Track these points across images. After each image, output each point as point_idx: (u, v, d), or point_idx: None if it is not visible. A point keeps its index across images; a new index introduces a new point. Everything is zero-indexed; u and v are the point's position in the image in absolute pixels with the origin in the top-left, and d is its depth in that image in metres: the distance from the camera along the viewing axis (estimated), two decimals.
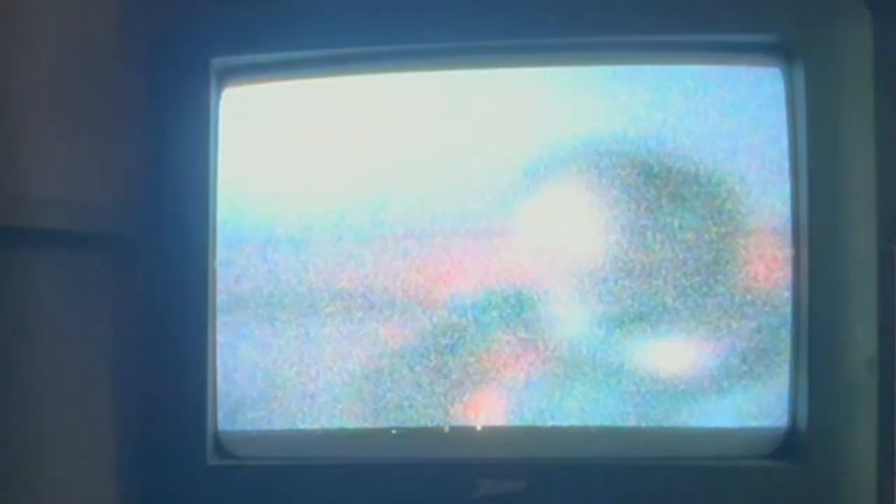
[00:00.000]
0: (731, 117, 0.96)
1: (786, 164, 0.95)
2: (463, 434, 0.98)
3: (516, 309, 0.97)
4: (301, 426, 0.99)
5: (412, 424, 0.98)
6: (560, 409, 0.97)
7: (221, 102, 1.00)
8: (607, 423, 0.96)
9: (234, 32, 1.00)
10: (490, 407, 0.97)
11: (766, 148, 0.96)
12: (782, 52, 0.95)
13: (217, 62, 0.99)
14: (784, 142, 0.95)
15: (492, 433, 0.97)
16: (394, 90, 0.99)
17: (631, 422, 0.96)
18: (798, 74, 0.94)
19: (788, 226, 0.95)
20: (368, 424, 0.98)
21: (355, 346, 0.98)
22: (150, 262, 1.00)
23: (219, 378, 0.99)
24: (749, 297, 0.95)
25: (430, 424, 0.98)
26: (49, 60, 0.98)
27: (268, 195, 1.00)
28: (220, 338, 0.99)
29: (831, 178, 0.93)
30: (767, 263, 0.95)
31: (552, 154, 0.97)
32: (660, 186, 0.96)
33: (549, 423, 0.97)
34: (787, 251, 0.95)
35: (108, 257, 1.02)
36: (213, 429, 0.99)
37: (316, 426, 0.99)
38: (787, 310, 0.94)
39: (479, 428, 0.98)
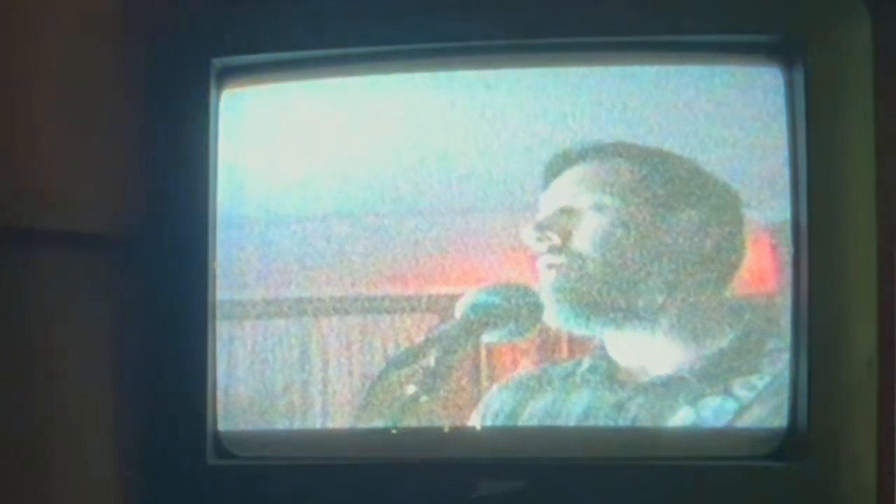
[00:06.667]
0: (731, 117, 0.96)
1: (786, 164, 0.95)
2: (463, 434, 0.98)
3: (516, 309, 0.97)
4: (301, 426, 0.99)
5: (412, 424, 0.98)
6: (560, 409, 0.97)
7: (221, 102, 1.00)
8: (607, 423, 0.96)
9: (234, 32, 1.00)
10: (490, 407, 0.97)
11: (766, 148, 0.96)
12: (782, 52, 0.95)
13: (217, 62, 1.00)
14: (784, 142, 0.95)
15: (492, 433, 0.98)
16: (394, 90, 0.99)
17: (630, 422, 0.96)
18: (798, 74, 0.94)
19: (788, 226, 0.95)
20: (368, 424, 0.98)
21: (355, 346, 0.98)
22: (150, 262, 1.00)
23: (219, 378, 0.99)
24: (749, 296, 0.95)
25: (429, 424, 0.98)
26: (49, 60, 0.97)
27: (268, 195, 1.00)
28: (220, 337, 0.99)
29: (831, 179, 0.93)
30: (767, 263, 0.95)
31: (551, 154, 0.97)
32: (660, 186, 0.96)
33: (549, 423, 0.97)
34: (787, 251, 0.95)
35: (108, 257, 1.02)
36: (213, 429, 0.99)
37: (316, 426, 0.99)
38: (787, 310, 0.94)
39: (479, 428, 0.98)
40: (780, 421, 0.95)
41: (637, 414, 0.96)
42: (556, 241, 0.97)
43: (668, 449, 0.95)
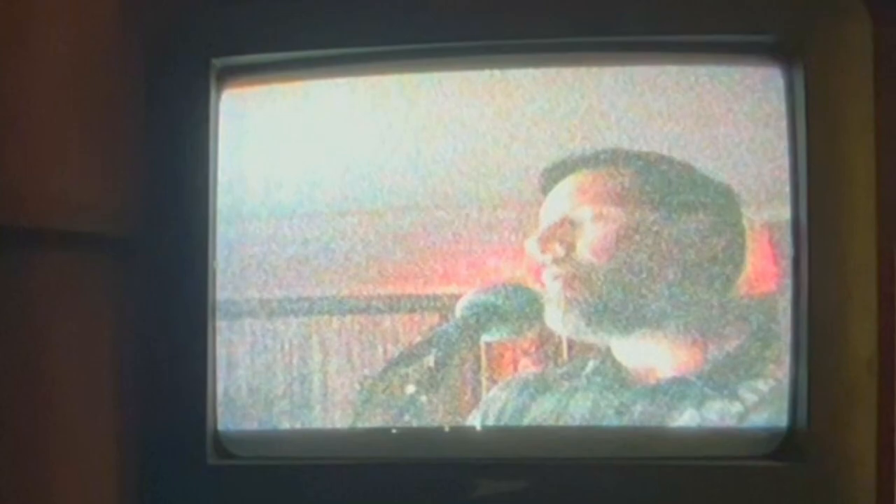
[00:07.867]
0: (731, 117, 0.96)
1: (785, 165, 0.95)
2: (463, 434, 0.98)
3: (517, 308, 0.97)
4: (301, 426, 0.99)
5: (412, 424, 0.98)
6: (560, 409, 0.97)
7: (221, 102, 1.00)
8: (607, 423, 0.96)
9: (234, 32, 1.00)
10: (490, 407, 0.97)
11: (766, 148, 0.96)
12: (782, 52, 0.95)
13: (217, 62, 1.00)
14: (784, 142, 0.95)
15: (492, 433, 0.98)
16: (394, 91, 0.99)
17: (631, 422, 0.96)
18: (798, 74, 0.94)
19: (788, 226, 0.95)
20: (368, 424, 0.98)
21: (355, 346, 0.98)
22: (150, 262, 1.00)
23: (219, 378, 0.99)
24: (749, 296, 0.95)
25: (429, 424, 0.98)
26: (48, 60, 0.97)
27: (268, 195, 1.00)
28: (220, 337, 0.99)
29: (831, 178, 0.93)
30: (767, 263, 0.95)
31: (551, 154, 0.97)
32: (660, 188, 0.96)
33: (550, 423, 0.97)
34: (787, 251, 0.95)
35: (108, 257, 1.02)
36: (213, 429, 0.99)
37: (316, 426, 0.99)
38: (787, 310, 0.94)
39: (479, 428, 0.98)
40: (780, 421, 0.95)
41: (637, 414, 0.96)
42: (560, 250, 0.97)
43: (667, 449, 0.95)
